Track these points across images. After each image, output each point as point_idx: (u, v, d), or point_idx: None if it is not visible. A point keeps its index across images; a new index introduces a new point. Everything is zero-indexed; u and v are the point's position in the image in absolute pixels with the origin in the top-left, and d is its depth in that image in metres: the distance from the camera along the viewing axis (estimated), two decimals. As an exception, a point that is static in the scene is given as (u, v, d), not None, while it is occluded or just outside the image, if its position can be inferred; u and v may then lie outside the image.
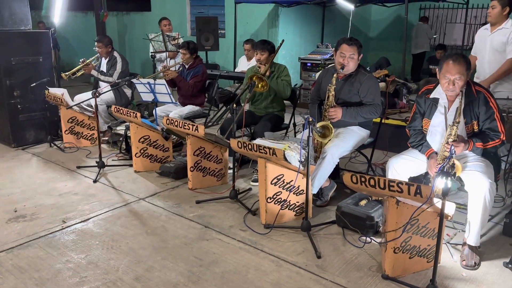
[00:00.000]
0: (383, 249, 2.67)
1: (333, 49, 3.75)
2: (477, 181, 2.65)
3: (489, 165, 2.81)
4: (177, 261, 2.83)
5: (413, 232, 2.57)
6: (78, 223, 3.36)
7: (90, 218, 3.44)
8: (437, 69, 2.90)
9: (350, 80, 3.62)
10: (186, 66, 5.20)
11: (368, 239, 3.02)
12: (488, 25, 4.13)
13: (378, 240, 2.99)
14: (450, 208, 2.47)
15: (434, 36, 9.47)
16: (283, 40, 4.44)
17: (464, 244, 2.81)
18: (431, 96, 2.97)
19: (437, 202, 2.35)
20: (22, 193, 3.94)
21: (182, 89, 5.13)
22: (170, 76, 5.02)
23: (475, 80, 4.23)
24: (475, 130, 2.86)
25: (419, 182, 2.49)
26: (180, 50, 5.24)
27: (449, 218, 2.57)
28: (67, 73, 5.49)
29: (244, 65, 6.61)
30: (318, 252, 2.87)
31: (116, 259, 2.84)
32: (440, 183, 2.16)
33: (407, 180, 2.92)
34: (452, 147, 2.52)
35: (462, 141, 2.71)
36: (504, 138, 2.80)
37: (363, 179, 2.48)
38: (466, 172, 2.76)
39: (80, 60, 5.55)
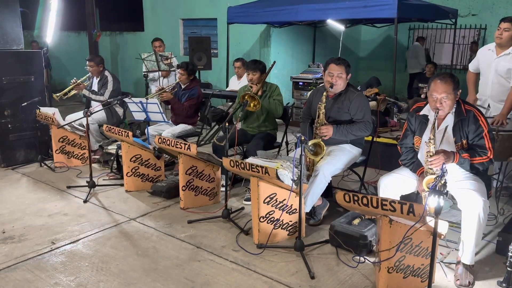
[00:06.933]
0: (377, 269, 2.64)
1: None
2: (470, 200, 2.65)
3: (481, 183, 2.82)
4: (168, 283, 2.77)
5: (407, 251, 2.56)
6: (67, 244, 3.30)
7: (80, 239, 3.38)
8: (426, 88, 2.94)
9: (340, 99, 3.66)
10: (182, 86, 5.21)
11: (362, 259, 2.99)
12: (492, 45, 4.06)
13: (372, 259, 2.96)
14: (443, 227, 2.47)
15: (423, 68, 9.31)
16: (274, 62, 4.49)
17: (458, 263, 2.80)
18: (421, 113, 2.99)
19: (430, 221, 2.34)
20: (10, 213, 3.87)
21: (176, 110, 5.14)
22: (165, 98, 5.05)
23: (478, 100, 4.22)
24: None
25: (411, 200, 2.49)
26: (178, 70, 5.26)
27: (442, 237, 2.56)
28: (58, 94, 5.48)
29: (234, 84, 6.65)
30: (311, 273, 2.83)
31: (105, 282, 2.78)
32: (433, 201, 2.16)
33: (399, 198, 2.93)
34: (444, 165, 2.53)
35: (443, 153, 2.70)
36: (491, 157, 2.80)
37: (355, 198, 2.47)
38: (459, 191, 2.77)
39: (72, 81, 5.55)
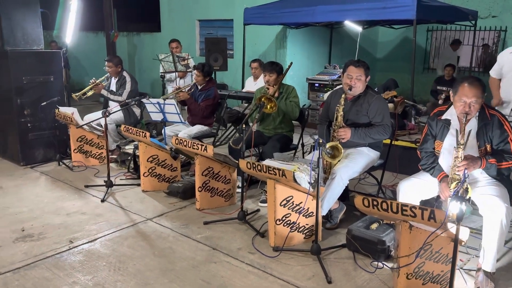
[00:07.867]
0: (396, 275, 2.60)
1: (341, 70, 3.77)
2: (493, 206, 2.60)
3: (503, 188, 2.76)
4: (184, 284, 2.78)
5: (426, 258, 2.51)
6: (85, 243, 3.33)
7: (97, 238, 3.41)
8: (451, 92, 2.88)
9: (359, 101, 3.62)
10: (199, 87, 5.23)
11: (380, 264, 2.95)
12: None
13: (390, 265, 2.92)
14: (464, 233, 2.42)
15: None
16: (291, 63, 4.46)
17: (479, 270, 2.74)
18: (443, 117, 2.94)
19: (451, 227, 2.30)
20: (29, 212, 3.93)
21: (192, 110, 5.16)
22: (182, 97, 5.08)
23: (504, 105, 4.19)
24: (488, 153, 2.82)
25: (430, 206, 2.45)
26: (194, 71, 5.30)
27: (463, 243, 2.51)
28: (77, 94, 5.54)
29: (250, 85, 6.65)
30: (328, 277, 2.81)
31: (123, 281, 2.80)
32: (454, 207, 2.12)
33: (418, 203, 2.88)
34: (466, 171, 2.49)
35: (471, 159, 2.67)
36: None
37: (375, 203, 2.44)
38: (481, 196, 2.71)
39: (91, 81, 5.61)
